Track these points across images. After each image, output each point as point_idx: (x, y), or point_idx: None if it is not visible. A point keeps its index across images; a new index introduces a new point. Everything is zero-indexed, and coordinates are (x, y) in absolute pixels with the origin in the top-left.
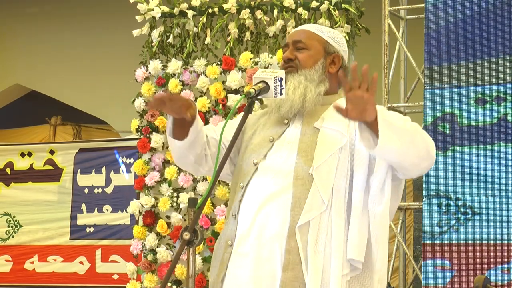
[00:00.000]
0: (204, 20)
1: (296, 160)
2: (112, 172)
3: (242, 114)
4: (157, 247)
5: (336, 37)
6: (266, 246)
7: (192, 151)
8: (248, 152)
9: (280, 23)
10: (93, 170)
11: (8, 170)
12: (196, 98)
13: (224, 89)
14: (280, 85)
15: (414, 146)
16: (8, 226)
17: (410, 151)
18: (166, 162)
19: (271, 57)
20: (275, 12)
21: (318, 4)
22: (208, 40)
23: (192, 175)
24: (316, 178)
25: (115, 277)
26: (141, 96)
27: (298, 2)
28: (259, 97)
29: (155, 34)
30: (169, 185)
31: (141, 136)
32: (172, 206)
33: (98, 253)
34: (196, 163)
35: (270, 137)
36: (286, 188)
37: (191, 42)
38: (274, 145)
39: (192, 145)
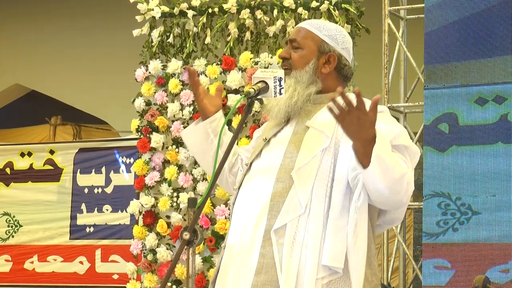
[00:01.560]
0: (204, 20)
1: (281, 161)
2: (112, 172)
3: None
4: (157, 247)
5: (334, 35)
6: (245, 250)
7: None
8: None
9: (280, 23)
10: (93, 170)
11: (8, 170)
12: None
13: (224, 89)
14: (280, 85)
15: (392, 193)
16: (8, 226)
17: (387, 194)
18: (166, 162)
19: (271, 57)
20: (275, 12)
21: (318, 4)
22: (208, 40)
23: (192, 175)
24: (296, 181)
25: (115, 277)
26: (141, 96)
27: (298, 2)
28: (258, 97)
29: (155, 34)
30: (169, 185)
31: (141, 136)
32: (172, 206)
33: (98, 253)
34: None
35: (264, 136)
36: (265, 191)
37: (191, 42)
38: (267, 144)
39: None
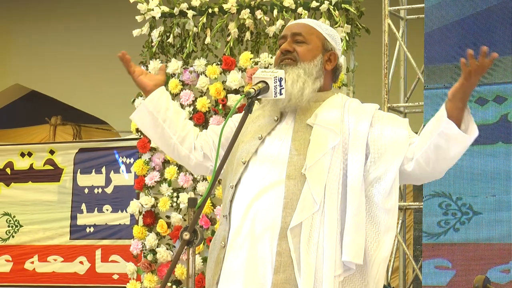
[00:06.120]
0: (204, 20)
1: (288, 158)
2: (112, 172)
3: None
4: (157, 247)
5: (333, 35)
6: (257, 248)
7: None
8: (239, 151)
9: (280, 23)
10: (93, 170)
11: (8, 170)
12: (196, 98)
13: (224, 89)
14: (280, 85)
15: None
16: (8, 226)
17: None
18: (166, 162)
19: (271, 57)
20: (275, 12)
21: (318, 4)
22: (208, 40)
23: (192, 175)
24: (308, 178)
25: (115, 277)
26: (141, 96)
27: (298, 2)
28: (258, 97)
29: (155, 34)
30: (169, 185)
31: (141, 136)
32: (172, 206)
33: (98, 253)
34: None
35: (259, 134)
36: (277, 188)
37: (191, 42)
38: (264, 142)
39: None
